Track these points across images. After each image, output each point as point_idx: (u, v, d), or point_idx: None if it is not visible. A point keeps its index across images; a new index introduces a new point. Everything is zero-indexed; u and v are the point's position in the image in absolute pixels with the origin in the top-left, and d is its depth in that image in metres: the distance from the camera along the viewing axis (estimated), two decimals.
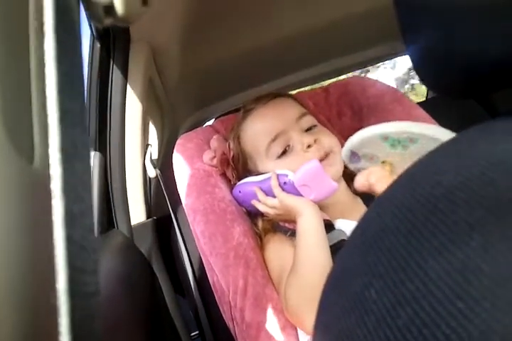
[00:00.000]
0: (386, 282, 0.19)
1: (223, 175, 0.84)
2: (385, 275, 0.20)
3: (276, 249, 0.73)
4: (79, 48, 0.23)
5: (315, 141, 0.74)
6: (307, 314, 0.60)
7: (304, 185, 0.69)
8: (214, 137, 0.84)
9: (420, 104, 0.92)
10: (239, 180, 0.82)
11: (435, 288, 0.17)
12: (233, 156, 0.81)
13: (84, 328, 0.19)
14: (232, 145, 0.81)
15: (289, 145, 0.76)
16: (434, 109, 0.88)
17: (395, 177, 0.27)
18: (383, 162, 0.56)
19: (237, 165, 0.82)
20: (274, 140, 0.76)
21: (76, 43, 0.23)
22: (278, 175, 0.74)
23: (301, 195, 0.70)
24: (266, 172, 0.77)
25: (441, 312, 0.16)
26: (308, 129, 0.78)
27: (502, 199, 0.19)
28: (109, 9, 0.27)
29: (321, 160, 0.72)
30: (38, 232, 0.18)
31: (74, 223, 0.20)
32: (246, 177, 0.80)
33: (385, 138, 0.50)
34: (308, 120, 0.79)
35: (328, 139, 0.77)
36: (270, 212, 0.75)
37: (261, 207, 0.76)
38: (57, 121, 0.19)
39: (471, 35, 0.27)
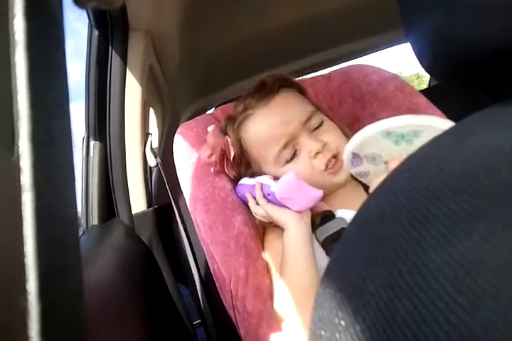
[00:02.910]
0: (384, 274, 0.19)
1: (220, 172, 0.81)
2: (383, 267, 0.19)
3: (275, 243, 0.73)
4: (59, 33, 0.22)
5: (323, 145, 0.72)
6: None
7: (285, 198, 0.68)
8: (209, 131, 0.80)
9: (423, 91, 0.91)
10: (239, 177, 0.81)
11: (434, 281, 0.17)
12: (234, 157, 0.78)
13: (63, 329, 0.18)
14: (232, 145, 0.78)
15: (296, 150, 0.74)
16: (437, 96, 0.87)
17: None
18: (386, 162, 0.53)
19: (239, 165, 0.80)
20: (283, 147, 0.73)
21: (55, 27, 0.21)
22: (262, 185, 0.73)
23: (286, 205, 0.69)
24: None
25: (440, 307, 0.16)
26: (317, 127, 0.75)
27: (504, 188, 0.18)
28: None
29: (328, 164, 0.72)
30: (7, 230, 0.17)
31: (51, 219, 0.19)
32: (246, 176, 0.80)
33: (388, 133, 0.48)
34: (316, 119, 0.76)
35: (335, 139, 0.75)
36: (261, 219, 0.75)
37: (253, 214, 0.76)
38: (27, 109, 0.18)
39: (471, 22, 0.27)
